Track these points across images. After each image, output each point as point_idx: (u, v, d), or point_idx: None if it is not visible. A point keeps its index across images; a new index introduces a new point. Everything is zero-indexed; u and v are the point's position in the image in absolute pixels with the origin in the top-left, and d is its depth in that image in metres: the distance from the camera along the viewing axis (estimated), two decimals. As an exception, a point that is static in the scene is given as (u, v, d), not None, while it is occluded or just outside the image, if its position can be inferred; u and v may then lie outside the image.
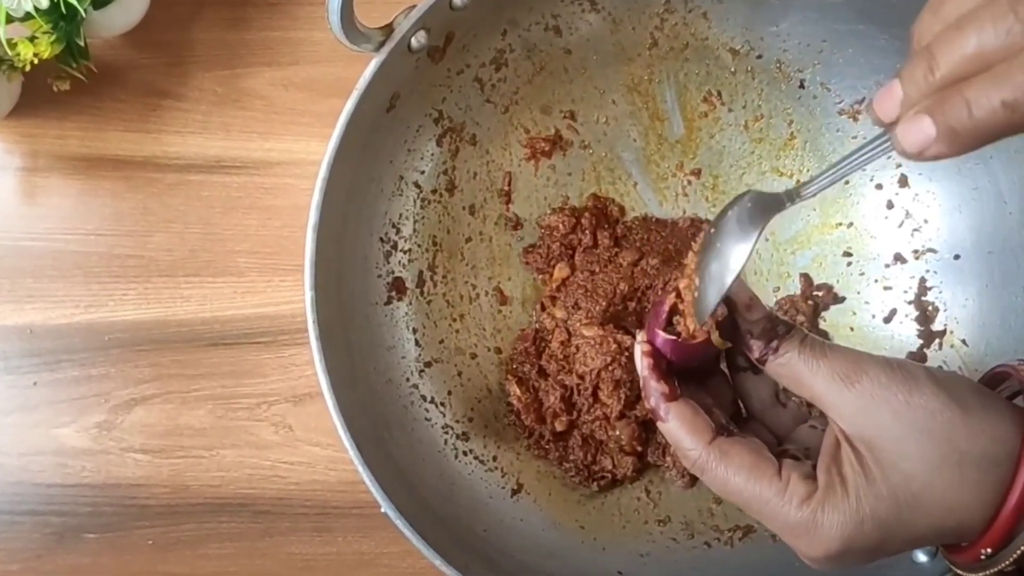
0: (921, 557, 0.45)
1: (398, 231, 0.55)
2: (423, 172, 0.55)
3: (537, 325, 0.57)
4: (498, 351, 0.57)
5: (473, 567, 0.46)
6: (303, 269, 0.46)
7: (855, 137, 0.56)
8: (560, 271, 0.57)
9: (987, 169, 0.52)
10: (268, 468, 0.57)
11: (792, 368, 0.36)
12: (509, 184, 0.58)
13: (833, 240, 0.57)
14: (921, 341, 0.54)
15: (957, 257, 0.54)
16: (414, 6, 0.46)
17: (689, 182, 0.58)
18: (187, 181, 0.61)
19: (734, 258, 0.35)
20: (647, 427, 0.54)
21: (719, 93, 0.57)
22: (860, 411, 0.34)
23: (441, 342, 0.56)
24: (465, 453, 0.54)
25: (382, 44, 0.45)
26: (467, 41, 0.52)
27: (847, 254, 0.57)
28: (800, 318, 0.56)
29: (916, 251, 0.55)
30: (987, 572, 0.34)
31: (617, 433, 0.53)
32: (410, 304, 0.55)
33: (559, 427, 0.54)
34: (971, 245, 0.53)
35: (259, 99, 0.62)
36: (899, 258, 0.56)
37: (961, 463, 0.33)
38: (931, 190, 0.55)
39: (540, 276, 0.58)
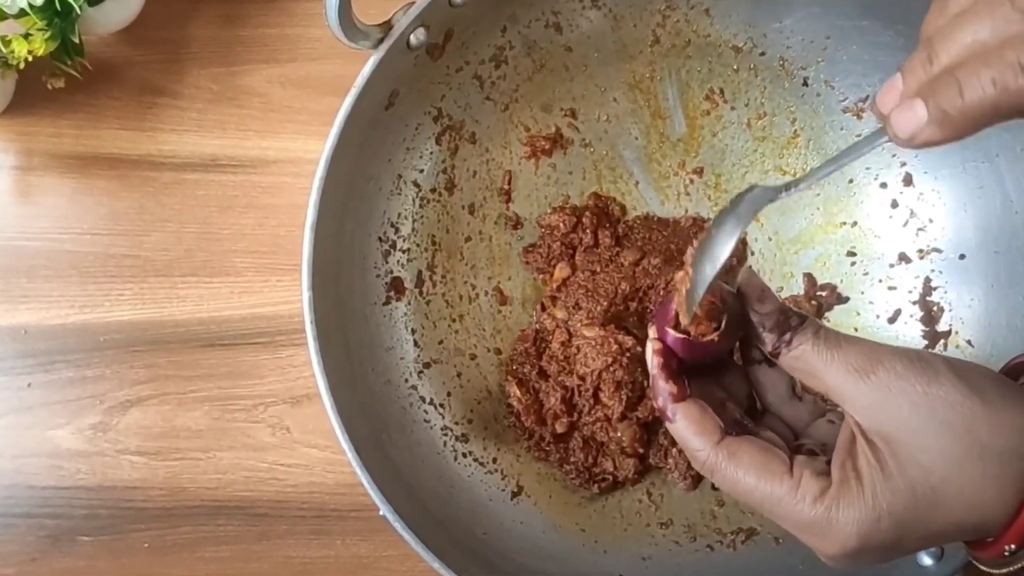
0: (926, 560, 0.45)
1: (397, 230, 0.54)
2: (422, 171, 0.55)
3: (537, 325, 0.56)
4: (498, 352, 0.56)
5: (472, 570, 0.46)
6: (300, 269, 0.46)
7: (859, 135, 0.55)
8: (561, 271, 0.56)
9: (993, 167, 0.51)
10: (265, 470, 0.57)
11: (806, 361, 0.35)
12: (509, 183, 0.57)
13: (837, 240, 0.56)
14: (926, 342, 0.54)
15: (962, 257, 0.53)
16: (413, 3, 0.45)
17: (691, 181, 0.58)
18: (183, 180, 0.60)
19: (719, 247, 0.34)
20: (649, 428, 0.53)
21: (721, 91, 0.57)
22: (876, 403, 0.34)
23: (440, 343, 0.55)
24: (465, 455, 0.54)
25: (380, 41, 0.45)
26: (466, 38, 0.52)
27: (851, 254, 0.56)
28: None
29: (921, 251, 0.55)
30: (1012, 567, 0.34)
31: (618, 435, 0.53)
32: (409, 304, 0.55)
33: (560, 429, 0.54)
34: (976, 244, 0.53)
35: (256, 97, 0.61)
36: (904, 258, 0.55)
37: (983, 456, 0.32)
38: (936, 189, 0.54)
39: (540, 276, 0.57)
